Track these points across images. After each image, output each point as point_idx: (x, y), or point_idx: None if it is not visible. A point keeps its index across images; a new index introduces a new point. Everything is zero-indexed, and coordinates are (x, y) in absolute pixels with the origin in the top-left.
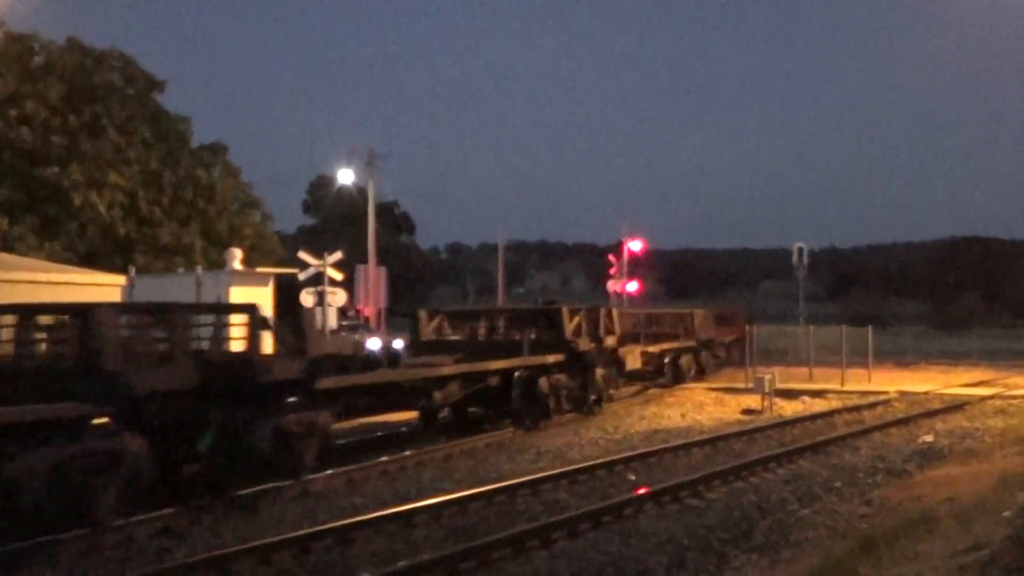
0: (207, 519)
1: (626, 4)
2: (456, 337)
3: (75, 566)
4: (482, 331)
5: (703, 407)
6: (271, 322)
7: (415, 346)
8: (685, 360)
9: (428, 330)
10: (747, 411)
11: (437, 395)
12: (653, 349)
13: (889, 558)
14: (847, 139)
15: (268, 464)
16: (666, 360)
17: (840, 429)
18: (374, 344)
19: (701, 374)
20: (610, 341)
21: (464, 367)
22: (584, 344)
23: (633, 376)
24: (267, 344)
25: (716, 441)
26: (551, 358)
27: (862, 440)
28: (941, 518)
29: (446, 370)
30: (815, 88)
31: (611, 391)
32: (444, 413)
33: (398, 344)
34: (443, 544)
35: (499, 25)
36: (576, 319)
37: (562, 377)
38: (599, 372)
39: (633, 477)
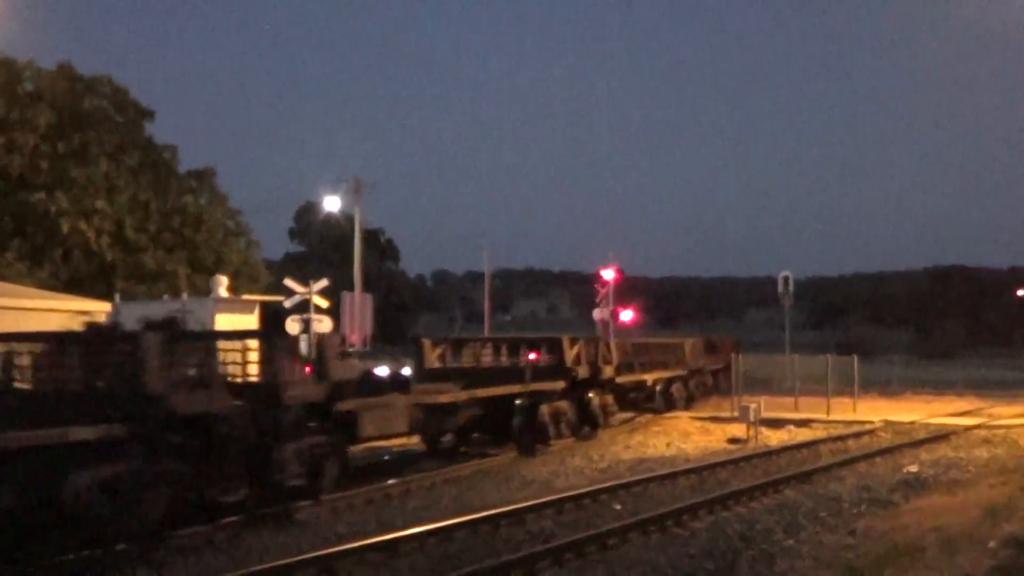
0: (190, 548)
1: (613, 35)
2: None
3: None
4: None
5: (689, 436)
6: None
7: None
8: (552, 409)
9: None
10: (733, 440)
11: None
12: (448, 399)
13: None
14: (833, 168)
15: None
16: (524, 405)
17: (825, 459)
18: (382, 371)
19: (592, 428)
20: (303, 396)
21: None
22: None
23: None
24: None
25: (701, 470)
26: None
27: (847, 470)
28: (926, 548)
29: None
30: (801, 118)
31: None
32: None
33: (406, 371)
34: (428, 574)
35: (487, 54)
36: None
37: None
38: (288, 448)
39: (619, 506)
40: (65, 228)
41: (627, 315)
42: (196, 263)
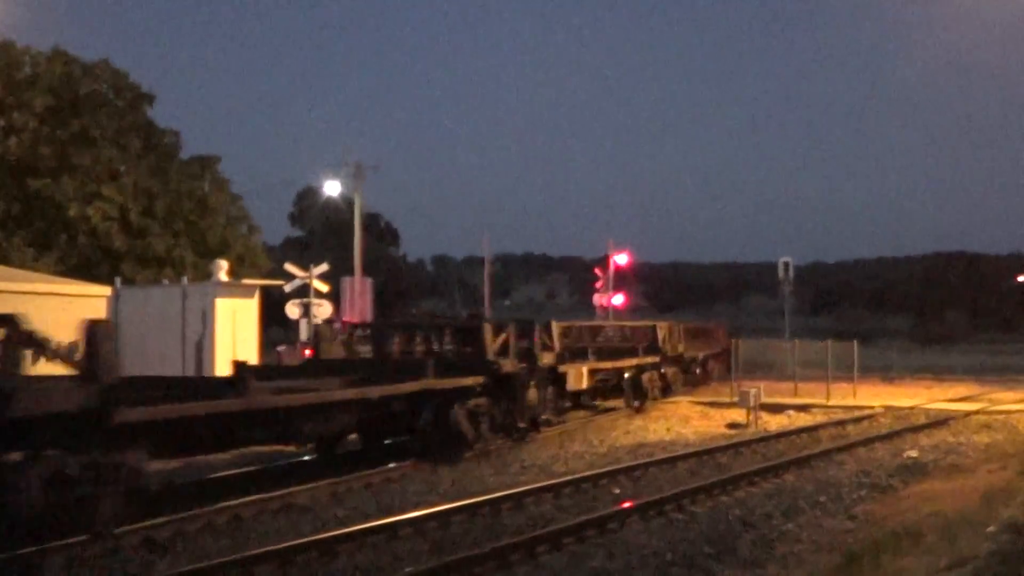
0: (191, 530)
1: (614, 19)
2: None
3: None
4: None
5: (688, 421)
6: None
7: None
8: (649, 377)
9: None
10: (732, 425)
11: None
12: (607, 366)
13: (873, 573)
14: (834, 155)
15: None
16: (632, 374)
17: (825, 443)
18: None
19: (666, 393)
20: (545, 361)
21: None
22: None
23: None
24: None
25: (701, 455)
26: None
27: (847, 455)
28: (925, 533)
29: None
30: (802, 104)
31: None
32: None
33: None
34: (427, 558)
35: (486, 38)
36: None
37: None
38: (539, 393)
39: (618, 491)
40: (72, 213)
41: (618, 299)
42: (201, 248)
